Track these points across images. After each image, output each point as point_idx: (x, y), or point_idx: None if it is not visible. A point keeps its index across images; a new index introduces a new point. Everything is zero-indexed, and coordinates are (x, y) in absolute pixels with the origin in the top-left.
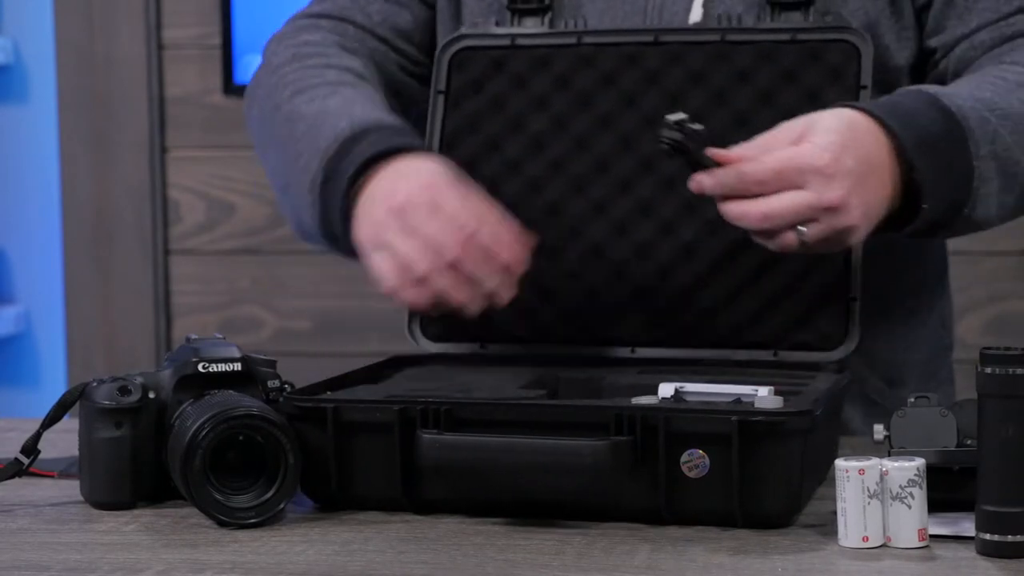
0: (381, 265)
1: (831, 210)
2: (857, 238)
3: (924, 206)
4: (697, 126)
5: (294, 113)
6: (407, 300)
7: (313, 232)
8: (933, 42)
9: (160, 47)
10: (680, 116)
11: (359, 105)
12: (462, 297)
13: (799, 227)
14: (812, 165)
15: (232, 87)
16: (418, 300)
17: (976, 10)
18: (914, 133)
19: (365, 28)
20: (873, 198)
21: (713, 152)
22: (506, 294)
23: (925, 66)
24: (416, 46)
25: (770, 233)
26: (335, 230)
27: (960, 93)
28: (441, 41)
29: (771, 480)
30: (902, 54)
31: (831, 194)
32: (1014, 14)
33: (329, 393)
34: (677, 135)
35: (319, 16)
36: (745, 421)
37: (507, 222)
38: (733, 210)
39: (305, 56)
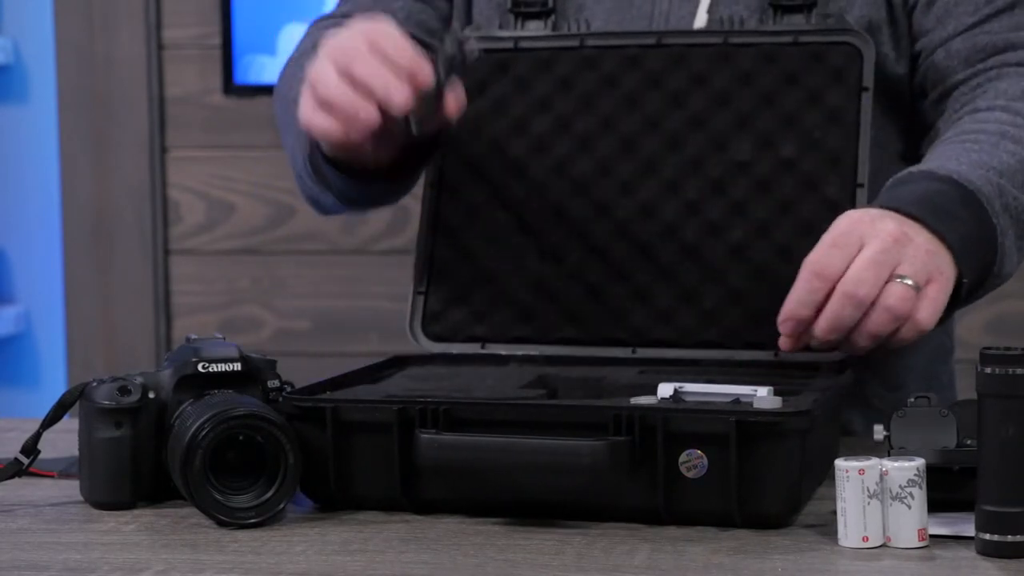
0: (303, 99)
1: (898, 241)
2: (942, 282)
3: (964, 280)
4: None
5: None
6: (317, 127)
7: (312, 189)
8: (917, 46)
9: (160, 47)
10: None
11: None
12: (357, 105)
13: (898, 278)
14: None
15: (232, 87)
16: (324, 125)
17: (954, 14)
18: (937, 212)
19: None
20: (924, 246)
21: None
22: (399, 98)
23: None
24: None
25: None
26: (315, 157)
27: (950, 162)
28: None
29: (770, 480)
30: (900, 62)
31: (884, 225)
32: (987, 20)
33: (328, 393)
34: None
35: (343, 17)
36: (743, 421)
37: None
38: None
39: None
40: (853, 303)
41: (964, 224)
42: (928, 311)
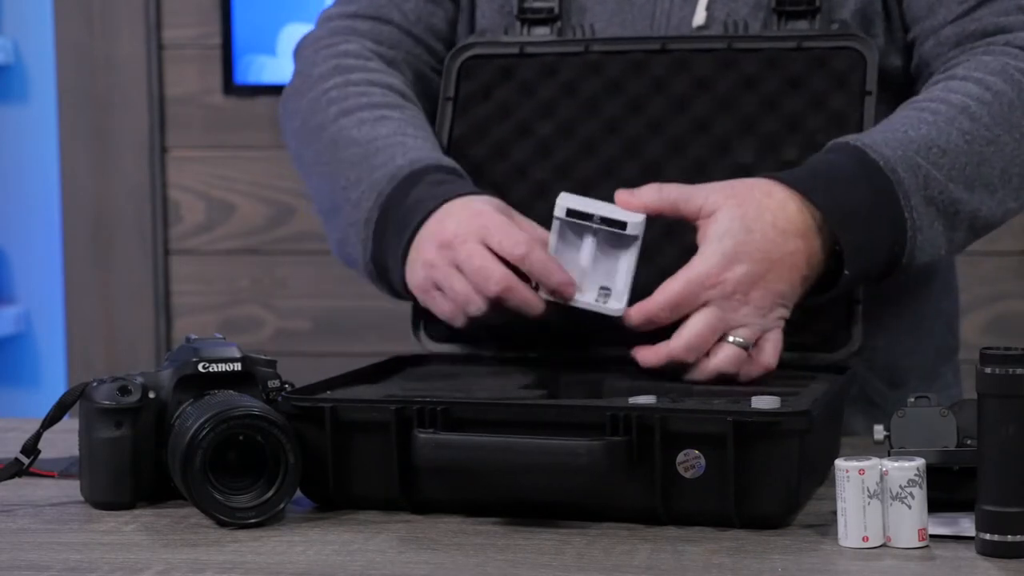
0: (442, 306)
1: (743, 296)
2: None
3: (846, 272)
4: None
5: (341, 136)
6: (463, 326)
7: (357, 263)
8: (910, 35)
9: (160, 47)
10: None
11: (411, 137)
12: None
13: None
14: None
15: (232, 87)
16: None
17: (944, 3)
18: (837, 203)
19: (402, 28)
20: (780, 286)
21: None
22: (475, 313)
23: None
24: (447, 45)
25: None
26: (389, 274)
27: (892, 138)
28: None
29: (767, 481)
30: (895, 54)
31: (736, 272)
32: (977, 8)
33: (328, 393)
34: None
35: (355, 16)
36: (740, 421)
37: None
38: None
39: (347, 69)
40: (686, 357)
41: (866, 227)
42: (769, 353)
